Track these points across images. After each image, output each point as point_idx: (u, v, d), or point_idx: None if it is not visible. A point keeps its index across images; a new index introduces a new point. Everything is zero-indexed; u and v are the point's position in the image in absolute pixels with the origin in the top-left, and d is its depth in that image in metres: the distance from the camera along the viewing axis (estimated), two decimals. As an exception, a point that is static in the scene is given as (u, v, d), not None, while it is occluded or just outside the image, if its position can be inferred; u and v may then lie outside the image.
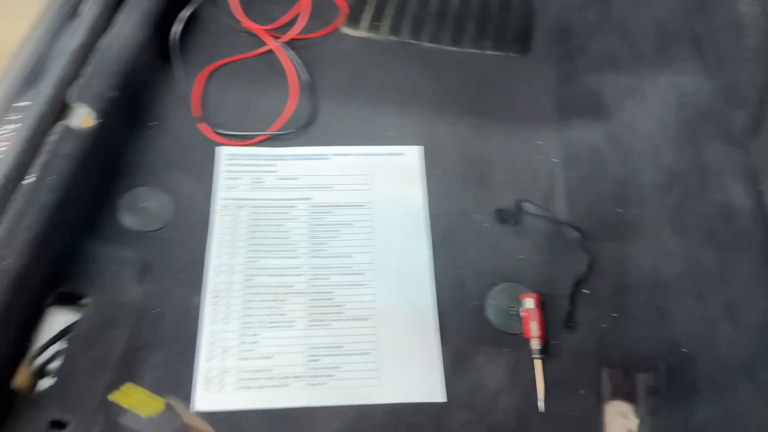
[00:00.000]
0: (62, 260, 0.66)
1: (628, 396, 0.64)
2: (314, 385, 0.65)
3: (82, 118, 0.68)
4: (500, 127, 0.84)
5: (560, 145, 0.82)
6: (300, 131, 0.82)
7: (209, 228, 0.74)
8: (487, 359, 0.67)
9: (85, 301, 0.67)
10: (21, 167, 0.61)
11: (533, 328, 0.67)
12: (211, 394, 0.64)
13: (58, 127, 0.65)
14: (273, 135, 0.81)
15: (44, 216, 0.60)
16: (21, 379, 0.61)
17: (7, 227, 0.57)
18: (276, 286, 0.71)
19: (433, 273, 0.72)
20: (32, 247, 0.58)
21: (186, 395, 0.63)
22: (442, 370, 0.66)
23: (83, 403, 0.61)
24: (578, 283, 0.71)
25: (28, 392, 0.60)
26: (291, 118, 0.83)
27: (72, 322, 0.66)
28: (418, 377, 0.65)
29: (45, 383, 0.62)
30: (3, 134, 0.66)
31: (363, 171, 0.80)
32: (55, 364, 0.63)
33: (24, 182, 0.61)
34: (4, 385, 0.59)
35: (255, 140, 0.81)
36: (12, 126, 0.66)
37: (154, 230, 0.73)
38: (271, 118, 0.83)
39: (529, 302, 0.69)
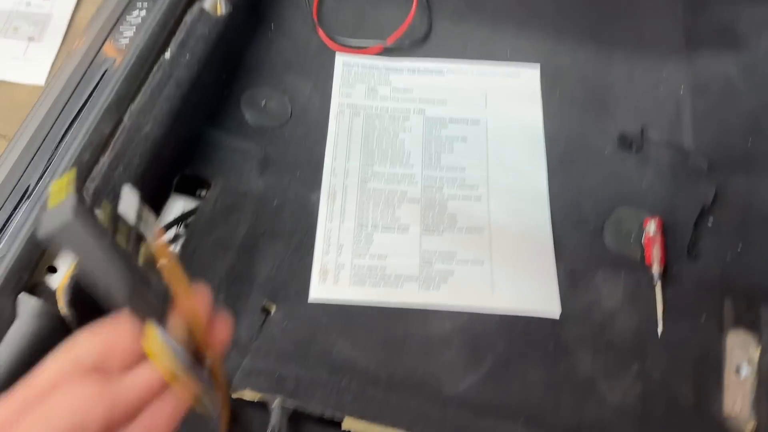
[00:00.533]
0: (190, 144, 0.67)
1: (751, 326, 0.62)
2: (427, 287, 0.65)
3: (214, 3, 0.69)
4: (623, 54, 0.81)
5: (688, 75, 0.78)
6: (416, 45, 0.81)
7: (325, 130, 0.74)
8: (604, 280, 0.65)
9: (204, 193, 0.68)
10: (161, 42, 0.62)
11: (655, 253, 0.65)
12: (326, 286, 0.64)
13: (195, 8, 0.66)
14: (389, 47, 0.80)
15: (180, 92, 0.61)
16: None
17: (147, 96, 0.58)
18: (390, 192, 0.70)
19: (549, 193, 0.71)
20: (168, 119, 0.59)
21: (303, 285, 0.64)
22: (558, 286, 0.65)
23: (207, 281, 0.62)
24: (703, 212, 0.68)
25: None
26: (407, 31, 0.82)
27: (191, 209, 0.67)
28: (533, 291, 0.64)
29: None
30: (133, 18, 0.67)
31: (478, 88, 0.78)
32: (173, 248, 0.64)
33: (164, 56, 0.61)
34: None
35: (371, 50, 0.80)
36: (137, 12, 0.67)
37: (274, 127, 0.73)
38: (387, 30, 0.82)
39: (652, 227, 0.67)
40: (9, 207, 0.56)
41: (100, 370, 0.32)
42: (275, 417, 0.56)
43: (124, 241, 0.30)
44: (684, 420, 0.59)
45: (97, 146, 0.56)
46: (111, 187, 0.53)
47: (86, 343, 0.32)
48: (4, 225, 0.58)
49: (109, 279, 0.28)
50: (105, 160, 0.54)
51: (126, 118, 0.57)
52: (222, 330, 0.36)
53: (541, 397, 0.59)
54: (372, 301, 0.63)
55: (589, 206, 0.70)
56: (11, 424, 0.30)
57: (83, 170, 0.54)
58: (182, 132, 0.64)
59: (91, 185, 0.53)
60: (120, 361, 0.32)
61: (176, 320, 0.32)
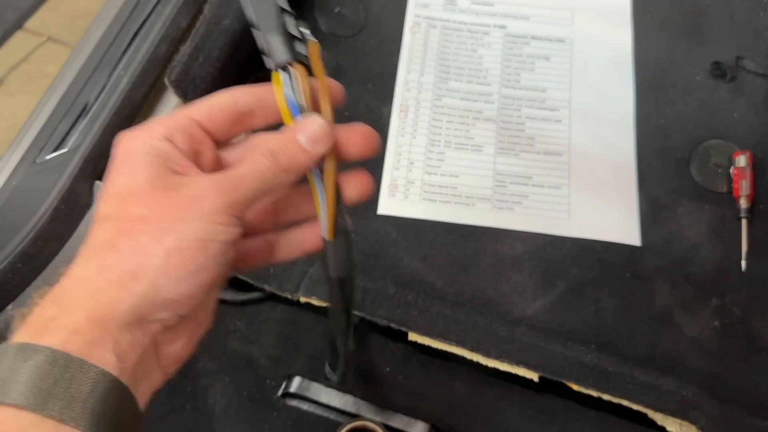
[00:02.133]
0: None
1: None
2: (500, 209, 0.62)
3: None
4: (723, -23, 0.75)
5: (794, 2, 0.72)
6: (499, -42, 0.76)
7: (399, 42, 0.71)
8: (688, 212, 0.62)
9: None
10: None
11: (743, 187, 0.62)
12: (396, 201, 0.63)
13: None
14: (470, -42, 0.76)
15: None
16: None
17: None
18: (464, 110, 0.67)
19: (635, 119, 0.67)
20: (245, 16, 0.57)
21: (372, 199, 0.62)
22: (638, 214, 0.62)
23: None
24: (801, 148, 0.64)
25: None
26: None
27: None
28: (612, 217, 0.62)
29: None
30: None
31: (565, 4, 0.74)
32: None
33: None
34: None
35: (451, -39, 0.76)
36: None
37: (347, 36, 0.70)
38: (469, -60, 0.77)
39: (742, 160, 0.63)
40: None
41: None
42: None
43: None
44: (762, 359, 0.56)
45: (174, 39, 0.54)
46: (191, 77, 0.52)
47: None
48: (77, 118, 0.58)
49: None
50: (185, 50, 0.52)
51: (206, 10, 0.55)
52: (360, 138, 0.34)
53: (614, 325, 0.57)
54: (442, 219, 0.62)
55: (677, 135, 0.66)
56: None
57: (161, 61, 0.53)
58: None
59: (171, 72, 0.51)
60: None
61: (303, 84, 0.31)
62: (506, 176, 0.64)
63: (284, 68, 0.30)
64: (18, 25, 0.79)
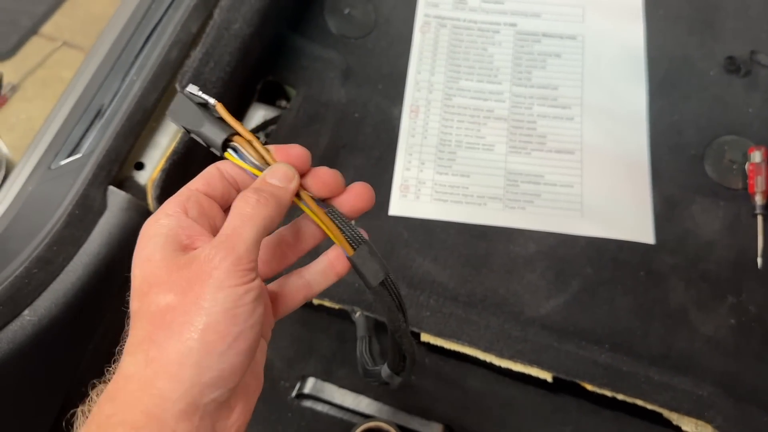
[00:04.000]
0: (274, 48, 0.65)
1: None
2: (512, 208, 0.62)
3: None
4: (737, -30, 0.74)
5: (809, -5, 0.71)
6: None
7: (409, 42, 0.71)
8: (702, 209, 0.62)
9: (284, 103, 0.66)
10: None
11: (759, 183, 0.61)
12: (407, 201, 0.63)
13: None
14: (480, -44, 0.75)
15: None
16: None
17: (236, -6, 0.57)
18: (475, 109, 0.67)
19: (648, 116, 0.66)
20: (256, 18, 0.57)
21: (383, 199, 0.63)
22: (652, 212, 0.61)
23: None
24: (817, 144, 0.63)
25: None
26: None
27: (271, 117, 0.66)
28: (626, 215, 0.61)
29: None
30: None
31: (575, 1, 0.73)
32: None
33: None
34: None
35: (460, -40, 0.76)
36: None
37: (357, 37, 0.70)
38: (479, -62, 0.77)
39: (757, 156, 0.62)
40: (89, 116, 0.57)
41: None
42: (361, 327, 0.55)
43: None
44: (780, 358, 0.56)
45: (185, 44, 0.55)
46: (202, 82, 0.52)
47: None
48: (91, 123, 0.58)
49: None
50: (196, 55, 0.53)
51: (216, 15, 0.55)
52: (326, 181, 0.35)
53: (628, 324, 0.56)
54: (453, 219, 0.62)
55: (690, 131, 0.65)
56: None
57: (172, 66, 0.53)
58: (268, 34, 0.63)
59: (183, 78, 0.52)
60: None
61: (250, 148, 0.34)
62: (518, 175, 0.64)
63: (226, 147, 0.33)
64: (33, 30, 0.80)
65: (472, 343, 0.55)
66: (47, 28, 0.80)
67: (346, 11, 0.71)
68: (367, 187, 0.36)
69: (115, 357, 0.32)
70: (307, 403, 0.60)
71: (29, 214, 0.55)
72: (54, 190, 0.55)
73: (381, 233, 0.61)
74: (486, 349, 0.55)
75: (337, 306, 0.57)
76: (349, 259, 0.35)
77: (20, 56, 0.78)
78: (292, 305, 0.37)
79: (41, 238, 0.49)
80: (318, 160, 0.63)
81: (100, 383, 0.31)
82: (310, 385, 0.59)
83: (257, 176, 0.32)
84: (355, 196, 0.35)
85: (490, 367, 0.56)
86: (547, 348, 0.54)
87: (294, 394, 0.60)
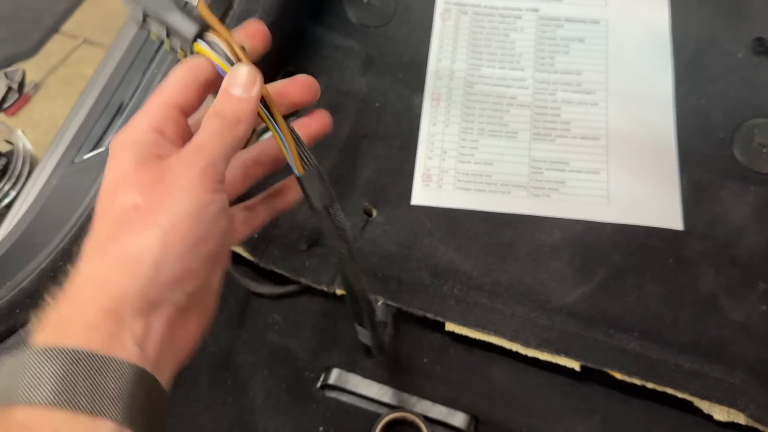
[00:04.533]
0: (293, 39, 0.65)
1: None
2: (537, 196, 0.61)
3: None
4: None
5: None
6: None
7: (430, 30, 0.70)
8: (731, 194, 0.60)
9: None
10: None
11: (791, 167, 0.59)
12: (429, 190, 0.62)
13: None
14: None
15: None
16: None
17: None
18: (498, 96, 0.66)
19: (674, 100, 0.65)
20: (275, 8, 0.57)
21: (405, 188, 0.62)
22: (680, 197, 0.60)
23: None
24: None
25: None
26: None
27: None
28: (653, 201, 0.60)
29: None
30: None
31: (598, -15, 0.72)
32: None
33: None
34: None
35: (480, -54, 0.75)
36: None
37: (376, 26, 0.70)
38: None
39: (789, 139, 0.60)
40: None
41: None
42: (381, 313, 0.55)
43: None
44: (814, 345, 0.54)
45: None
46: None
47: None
48: (113, 118, 0.59)
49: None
50: None
51: (236, 5, 0.55)
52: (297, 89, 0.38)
53: (657, 311, 0.55)
54: (477, 208, 0.61)
55: (718, 115, 0.64)
56: None
57: None
58: (287, 24, 0.62)
59: None
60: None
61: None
62: (542, 162, 0.63)
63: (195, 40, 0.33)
64: (55, 28, 0.80)
65: (497, 333, 0.54)
66: (68, 26, 0.81)
67: (366, 0, 0.71)
68: (311, 79, 0.38)
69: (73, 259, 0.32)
70: (332, 394, 0.60)
71: (54, 208, 0.55)
72: (78, 183, 0.55)
73: (403, 223, 0.61)
74: (512, 339, 0.54)
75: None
76: (298, 178, 0.35)
77: (42, 54, 0.79)
78: (249, 231, 0.40)
79: (66, 231, 0.50)
80: (339, 151, 0.63)
81: (56, 289, 0.31)
82: (335, 376, 0.59)
83: (227, 73, 0.32)
84: (301, 87, 0.38)
85: (516, 356, 0.55)
86: (574, 337, 0.54)
87: (319, 385, 0.59)
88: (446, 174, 0.63)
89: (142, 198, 0.30)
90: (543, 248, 0.59)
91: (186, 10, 0.33)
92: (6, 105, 0.72)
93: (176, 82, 0.33)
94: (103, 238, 0.30)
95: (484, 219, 0.60)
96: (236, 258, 0.60)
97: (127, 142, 0.32)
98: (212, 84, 0.34)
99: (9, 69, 0.73)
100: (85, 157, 0.58)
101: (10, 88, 0.72)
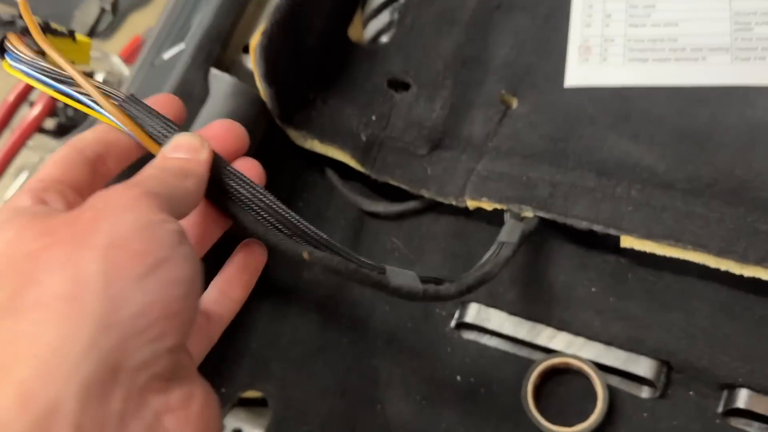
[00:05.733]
0: None
1: None
2: (746, 59, 0.44)
3: None
4: None
5: None
6: None
7: None
8: None
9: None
10: None
11: None
12: (590, 66, 0.47)
13: None
14: None
15: None
16: (355, 29, 0.50)
17: None
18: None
19: None
20: None
21: (555, 67, 0.47)
22: None
23: (428, 64, 0.48)
24: None
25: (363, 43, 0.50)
26: None
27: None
28: None
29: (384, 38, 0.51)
30: None
31: None
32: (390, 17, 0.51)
33: None
34: (343, 33, 0.49)
35: None
36: None
37: None
38: None
39: None
40: None
41: None
42: (505, 232, 0.41)
43: None
44: None
45: None
46: None
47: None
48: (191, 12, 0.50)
49: None
50: None
51: None
52: None
53: None
54: (658, 83, 0.45)
55: None
56: None
57: None
58: None
59: None
60: None
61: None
62: (750, 15, 0.45)
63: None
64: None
65: (698, 245, 0.39)
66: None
67: None
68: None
69: None
70: (470, 335, 0.47)
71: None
72: (155, 83, 0.47)
73: (555, 111, 0.46)
74: (720, 252, 0.38)
75: (500, 206, 0.43)
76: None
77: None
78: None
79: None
80: (464, 27, 0.49)
81: None
82: (473, 312, 0.47)
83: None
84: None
85: (726, 279, 0.39)
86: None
87: (453, 324, 0.47)
88: (612, 43, 0.47)
89: (51, 238, 0.21)
90: (759, 127, 0.41)
91: None
92: (101, 28, 0.66)
93: (59, 158, 0.26)
94: (8, 297, 0.20)
95: (670, 96, 0.44)
96: (344, 170, 0.49)
97: (7, 212, 0.23)
98: (104, 165, 0.27)
99: (101, -10, 0.67)
100: (166, 57, 0.49)
101: (103, 10, 0.66)
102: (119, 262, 0.20)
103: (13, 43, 0.28)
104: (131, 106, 0.27)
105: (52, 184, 0.25)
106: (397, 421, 0.46)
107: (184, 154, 0.26)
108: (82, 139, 0.27)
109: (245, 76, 0.45)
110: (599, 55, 0.47)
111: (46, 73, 0.28)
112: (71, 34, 0.33)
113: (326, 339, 0.48)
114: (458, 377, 0.46)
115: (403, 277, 0.32)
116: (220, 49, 0.44)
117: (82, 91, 0.27)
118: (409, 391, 0.46)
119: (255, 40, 0.42)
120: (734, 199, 0.40)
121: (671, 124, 0.43)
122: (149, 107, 0.28)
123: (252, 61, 0.42)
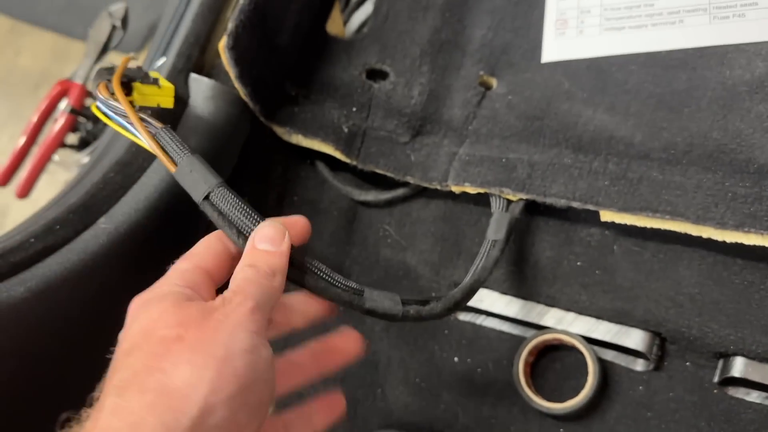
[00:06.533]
0: None
1: None
2: (724, 18, 0.42)
3: None
4: None
5: None
6: None
7: None
8: None
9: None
10: None
11: None
12: (566, 40, 0.46)
13: None
14: None
15: None
16: (334, 23, 0.51)
17: None
18: None
19: None
20: None
21: (532, 44, 0.47)
22: None
23: (404, 51, 0.48)
24: None
25: (342, 37, 0.51)
26: None
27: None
28: None
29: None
30: None
31: None
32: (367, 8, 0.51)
33: None
34: (319, 28, 0.50)
35: None
36: None
37: None
38: None
39: None
40: None
41: None
42: (497, 217, 0.42)
43: None
44: None
45: None
46: None
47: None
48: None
49: None
50: None
51: None
52: None
53: None
54: (635, 50, 0.44)
55: None
56: None
57: None
58: None
59: None
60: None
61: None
62: (729, -28, 0.44)
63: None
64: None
65: (675, 214, 0.38)
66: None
67: None
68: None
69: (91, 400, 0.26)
70: (466, 317, 0.48)
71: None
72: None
73: (532, 89, 0.46)
74: (698, 220, 0.37)
75: (483, 190, 0.44)
76: (175, 176, 0.33)
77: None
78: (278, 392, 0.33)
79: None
80: (440, 9, 0.49)
81: (73, 422, 0.26)
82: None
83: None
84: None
85: (709, 245, 0.38)
86: (797, 206, 0.35)
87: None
88: (588, 14, 0.46)
89: (187, 331, 0.26)
90: (738, 89, 0.40)
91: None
92: (113, 44, 0.69)
93: (207, 249, 0.31)
94: (138, 370, 0.25)
95: (646, 63, 0.43)
96: (334, 162, 0.50)
97: (157, 294, 0.28)
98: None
99: (112, 8, 0.69)
100: (156, 65, 0.51)
101: (114, 27, 0.68)
102: (224, 377, 0.25)
103: (101, 91, 0.35)
104: (166, 134, 0.33)
105: (202, 274, 0.30)
106: (397, 403, 0.47)
107: (269, 245, 0.30)
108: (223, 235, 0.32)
109: (226, 78, 0.46)
110: (575, 28, 0.46)
111: (115, 111, 0.34)
112: (155, 82, 0.39)
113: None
114: (456, 358, 0.47)
115: (381, 298, 0.34)
116: (198, 53, 0.46)
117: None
118: (408, 375, 0.47)
119: (222, 42, 0.43)
120: (712, 164, 0.39)
121: (647, 92, 0.42)
122: (238, 199, 0.32)
123: (224, 63, 0.43)
